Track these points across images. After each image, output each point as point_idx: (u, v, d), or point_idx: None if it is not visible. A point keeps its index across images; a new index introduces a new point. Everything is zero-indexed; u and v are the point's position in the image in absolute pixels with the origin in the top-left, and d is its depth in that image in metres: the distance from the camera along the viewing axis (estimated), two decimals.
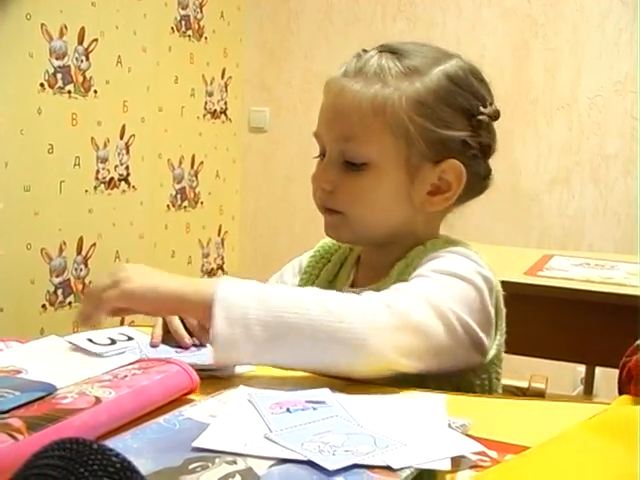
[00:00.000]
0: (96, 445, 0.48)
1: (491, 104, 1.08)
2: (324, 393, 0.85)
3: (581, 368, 2.87)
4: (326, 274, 1.19)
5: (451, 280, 0.97)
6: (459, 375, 0.99)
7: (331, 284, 1.17)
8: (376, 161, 1.03)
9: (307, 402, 0.81)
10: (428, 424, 0.78)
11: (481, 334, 0.98)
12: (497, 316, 1.04)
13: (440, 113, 1.03)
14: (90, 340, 1.02)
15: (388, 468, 0.66)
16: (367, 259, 1.15)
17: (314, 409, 0.80)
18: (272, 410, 0.78)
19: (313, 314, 0.86)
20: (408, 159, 1.03)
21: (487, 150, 1.09)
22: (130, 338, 1.06)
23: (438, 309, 0.92)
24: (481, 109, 1.06)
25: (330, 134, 1.07)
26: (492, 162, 1.12)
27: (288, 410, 0.79)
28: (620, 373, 1.01)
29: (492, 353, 1.02)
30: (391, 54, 1.05)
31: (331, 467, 0.66)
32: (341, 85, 1.05)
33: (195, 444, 0.70)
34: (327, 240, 1.22)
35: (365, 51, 1.07)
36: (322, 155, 1.10)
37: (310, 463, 0.67)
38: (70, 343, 1.00)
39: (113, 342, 1.04)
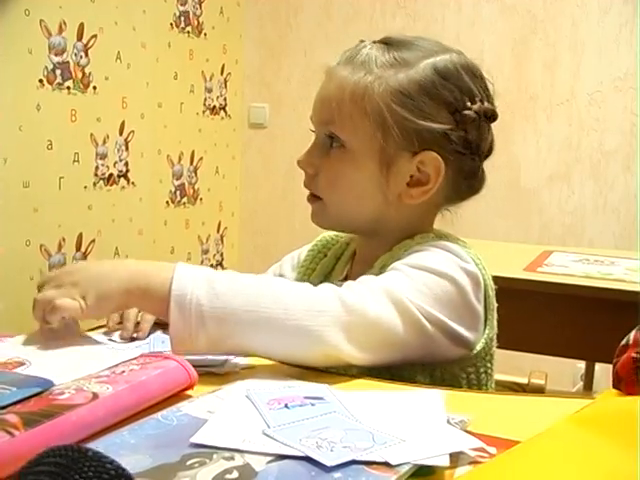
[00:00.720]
0: (91, 452, 0.48)
1: (482, 101, 1.06)
2: (322, 389, 0.85)
3: (581, 364, 2.87)
4: (322, 268, 1.19)
5: (423, 275, 0.97)
6: (440, 367, 0.99)
7: (326, 278, 1.17)
8: (352, 146, 1.05)
9: (305, 398, 0.81)
10: (427, 420, 0.78)
11: (459, 328, 0.98)
12: (486, 310, 1.03)
13: (420, 104, 1.03)
14: (111, 339, 1.04)
15: (386, 464, 0.66)
16: (360, 253, 1.16)
17: (312, 405, 0.79)
18: (270, 406, 0.78)
19: (263, 310, 0.87)
20: (383, 147, 1.04)
21: (474, 148, 1.07)
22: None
23: (400, 303, 0.92)
24: (468, 104, 1.04)
25: (317, 117, 1.09)
26: (492, 158, 1.11)
27: (286, 406, 0.79)
28: (613, 376, 1.02)
29: (479, 347, 1.02)
30: (385, 45, 1.06)
31: (329, 463, 0.66)
32: (331, 72, 1.08)
33: (193, 440, 0.69)
34: (325, 234, 1.23)
35: (363, 41, 1.09)
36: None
37: (308, 459, 0.67)
38: (94, 340, 1.01)
39: (133, 340, 1.05)
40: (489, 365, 1.05)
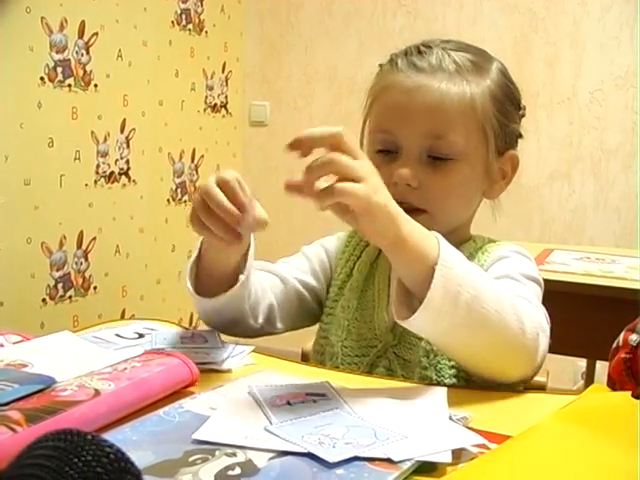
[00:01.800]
0: (90, 436, 0.48)
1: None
2: (324, 386, 0.85)
3: (582, 362, 2.87)
4: (367, 256, 1.17)
5: (534, 286, 1.04)
6: None
7: (372, 266, 1.16)
8: (465, 156, 1.06)
9: (307, 395, 0.81)
10: (429, 417, 0.78)
11: None
12: None
13: (507, 107, 1.10)
14: (118, 335, 1.03)
15: (389, 460, 0.66)
16: None
17: (314, 402, 0.80)
18: (272, 403, 0.78)
19: (505, 316, 0.86)
20: (487, 153, 1.08)
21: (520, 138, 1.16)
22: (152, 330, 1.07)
23: (548, 324, 0.98)
24: (522, 102, 1.14)
25: (413, 131, 1.05)
26: None
27: (289, 403, 0.79)
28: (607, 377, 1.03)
29: None
30: (456, 51, 1.08)
31: (331, 459, 0.66)
32: (421, 82, 1.05)
33: (195, 436, 0.70)
34: None
35: (420, 46, 1.09)
36: (384, 151, 1.08)
37: (310, 455, 0.67)
38: (96, 338, 1.01)
39: (141, 336, 1.04)
40: None
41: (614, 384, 0.95)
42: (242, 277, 1.00)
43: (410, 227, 0.84)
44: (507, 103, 1.10)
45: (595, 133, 3.20)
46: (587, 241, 3.15)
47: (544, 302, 1.05)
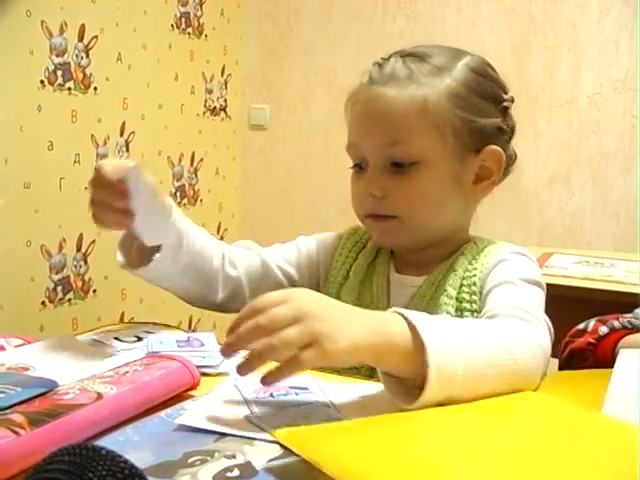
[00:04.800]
0: (105, 451, 0.49)
1: (507, 90, 1.16)
2: (307, 380, 0.87)
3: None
4: (364, 258, 1.19)
5: (535, 290, 1.04)
6: None
7: (369, 268, 1.18)
8: (426, 158, 1.06)
9: (290, 387, 0.85)
10: None
11: None
12: None
13: (475, 103, 1.08)
14: (117, 338, 1.04)
15: None
16: (407, 253, 1.17)
17: (296, 394, 0.83)
18: (256, 394, 0.82)
19: (499, 363, 0.84)
20: (454, 152, 1.07)
21: (513, 133, 1.15)
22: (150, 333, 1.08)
23: (550, 329, 0.97)
24: (504, 95, 1.13)
25: (373, 142, 1.08)
26: None
27: (271, 395, 0.83)
28: (562, 352, 1.08)
29: None
30: (413, 57, 1.08)
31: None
32: (375, 92, 1.07)
33: (178, 421, 0.72)
34: (357, 225, 1.21)
35: (384, 59, 1.10)
36: (358, 165, 1.11)
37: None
38: (96, 341, 1.02)
39: (139, 339, 1.06)
40: None
41: (572, 359, 1.06)
42: (157, 256, 1.08)
43: (375, 337, 0.78)
44: (474, 98, 1.08)
45: (594, 137, 3.21)
46: (586, 245, 3.16)
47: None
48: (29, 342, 0.97)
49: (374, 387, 0.88)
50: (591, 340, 1.06)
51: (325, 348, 0.73)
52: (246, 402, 0.80)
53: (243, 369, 0.74)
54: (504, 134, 1.12)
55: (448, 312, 1.06)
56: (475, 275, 1.08)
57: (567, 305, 1.88)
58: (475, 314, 1.06)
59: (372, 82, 1.08)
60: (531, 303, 0.99)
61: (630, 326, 1.07)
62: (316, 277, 1.22)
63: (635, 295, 1.73)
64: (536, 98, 3.26)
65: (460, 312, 1.07)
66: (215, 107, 3.70)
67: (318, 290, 1.15)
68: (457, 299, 1.08)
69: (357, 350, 0.76)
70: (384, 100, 1.05)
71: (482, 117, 1.08)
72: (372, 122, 1.07)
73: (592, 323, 1.09)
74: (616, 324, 1.08)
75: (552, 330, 0.98)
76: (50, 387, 0.75)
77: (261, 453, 0.69)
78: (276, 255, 1.23)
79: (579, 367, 1.06)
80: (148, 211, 0.98)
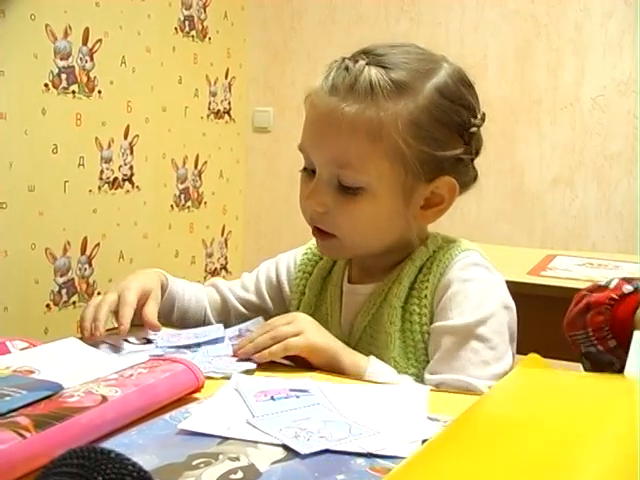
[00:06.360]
0: (114, 454, 0.49)
1: (479, 111, 1.07)
2: (308, 382, 0.88)
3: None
4: (319, 271, 1.20)
5: (499, 332, 1.03)
6: None
7: (325, 280, 1.19)
8: (372, 186, 1.02)
9: (291, 390, 0.85)
10: (406, 414, 0.81)
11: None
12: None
13: (435, 134, 1.02)
14: (126, 340, 1.05)
15: (392, 458, 0.68)
16: (363, 262, 1.16)
17: (297, 397, 0.83)
18: (257, 398, 0.83)
19: None
20: (404, 182, 1.03)
21: (476, 156, 1.09)
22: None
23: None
24: (472, 121, 1.05)
25: (321, 156, 1.04)
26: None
27: (272, 398, 0.83)
28: (575, 303, 1.05)
29: None
30: (380, 68, 1.00)
31: (303, 451, 0.69)
32: (332, 105, 1.01)
33: (180, 426, 0.72)
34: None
35: (349, 60, 1.03)
36: (307, 169, 1.08)
37: (310, 458, 0.68)
38: (105, 343, 1.03)
39: (149, 342, 1.07)
40: None
41: (589, 310, 1.03)
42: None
43: (345, 351, 1.01)
44: (435, 129, 1.01)
45: (598, 139, 3.21)
46: (589, 247, 3.15)
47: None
48: (34, 345, 0.97)
49: (376, 389, 0.88)
50: (613, 296, 1.02)
51: (308, 338, 0.98)
52: (247, 405, 0.81)
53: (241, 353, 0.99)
54: (463, 164, 1.06)
55: (392, 323, 1.05)
56: (427, 287, 1.05)
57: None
58: (424, 327, 1.04)
59: (332, 91, 1.02)
60: (484, 373, 0.99)
61: None
62: (280, 297, 1.24)
63: None
64: (540, 100, 3.27)
65: (410, 323, 1.05)
66: (219, 110, 3.70)
67: (286, 308, 1.22)
68: (404, 309, 1.06)
69: (333, 353, 0.99)
70: (339, 117, 1.00)
71: (440, 150, 1.02)
72: (324, 136, 1.03)
73: (615, 281, 1.05)
74: None
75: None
76: (55, 390, 0.75)
77: (265, 455, 0.69)
78: (237, 287, 1.27)
79: (593, 321, 1.03)
80: None
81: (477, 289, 1.04)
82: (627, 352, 0.79)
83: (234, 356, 0.99)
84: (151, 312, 1.11)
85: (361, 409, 0.81)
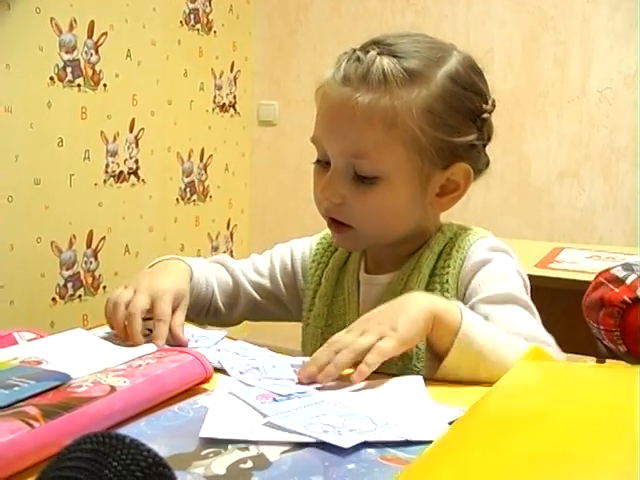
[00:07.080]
0: (129, 440, 0.49)
1: (489, 97, 1.08)
2: (304, 387, 0.84)
3: (591, 361, 2.86)
4: (335, 261, 1.19)
5: (529, 303, 1.04)
6: None
7: (341, 271, 1.18)
8: (389, 175, 1.02)
9: (290, 394, 0.82)
10: (412, 402, 0.81)
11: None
12: None
13: (449, 120, 1.02)
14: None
15: (401, 446, 0.68)
16: (379, 252, 1.16)
17: (299, 397, 0.81)
18: (260, 401, 0.79)
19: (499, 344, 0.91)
20: (421, 169, 1.03)
21: (488, 141, 1.10)
22: None
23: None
24: (484, 107, 1.06)
25: (336, 147, 1.04)
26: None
27: (275, 400, 0.80)
28: (593, 289, 1.03)
29: None
30: (391, 57, 1.00)
31: (345, 445, 0.67)
32: (345, 95, 1.01)
33: (202, 434, 0.70)
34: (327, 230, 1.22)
35: (360, 50, 1.03)
36: (321, 161, 1.08)
37: (320, 448, 0.67)
38: (108, 334, 1.02)
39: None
40: None
41: (602, 305, 1.01)
42: None
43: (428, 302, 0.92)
44: (449, 115, 1.02)
45: (605, 131, 3.19)
46: (596, 240, 3.15)
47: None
48: (41, 336, 0.97)
49: (371, 383, 0.86)
50: (626, 299, 0.99)
51: (397, 332, 0.86)
52: (254, 408, 0.77)
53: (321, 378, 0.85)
54: (478, 148, 1.07)
55: None
56: (448, 273, 1.06)
57: (578, 300, 1.88)
58: None
59: (344, 81, 1.02)
60: (540, 330, 1.01)
61: None
62: (294, 285, 1.23)
63: None
64: (546, 93, 3.25)
65: None
66: (224, 103, 3.70)
67: (299, 296, 1.21)
68: None
69: (416, 323, 0.88)
70: (353, 107, 1.00)
71: (455, 136, 1.03)
72: (338, 127, 1.03)
73: (633, 277, 1.01)
74: None
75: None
76: (63, 380, 0.75)
77: (274, 445, 0.69)
78: (248, 269, 1.24)
79: (604, 321, 1.01)
80: None
81: (501, 269, 1.06)
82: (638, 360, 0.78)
83: (300, 383, 0.86)
84: (180, 326, 1.01)
85: (366, 402, 0.80)
